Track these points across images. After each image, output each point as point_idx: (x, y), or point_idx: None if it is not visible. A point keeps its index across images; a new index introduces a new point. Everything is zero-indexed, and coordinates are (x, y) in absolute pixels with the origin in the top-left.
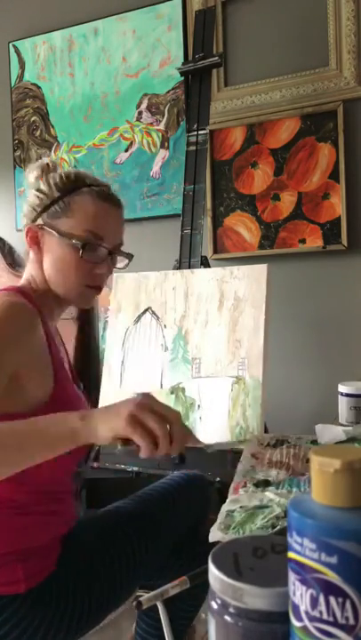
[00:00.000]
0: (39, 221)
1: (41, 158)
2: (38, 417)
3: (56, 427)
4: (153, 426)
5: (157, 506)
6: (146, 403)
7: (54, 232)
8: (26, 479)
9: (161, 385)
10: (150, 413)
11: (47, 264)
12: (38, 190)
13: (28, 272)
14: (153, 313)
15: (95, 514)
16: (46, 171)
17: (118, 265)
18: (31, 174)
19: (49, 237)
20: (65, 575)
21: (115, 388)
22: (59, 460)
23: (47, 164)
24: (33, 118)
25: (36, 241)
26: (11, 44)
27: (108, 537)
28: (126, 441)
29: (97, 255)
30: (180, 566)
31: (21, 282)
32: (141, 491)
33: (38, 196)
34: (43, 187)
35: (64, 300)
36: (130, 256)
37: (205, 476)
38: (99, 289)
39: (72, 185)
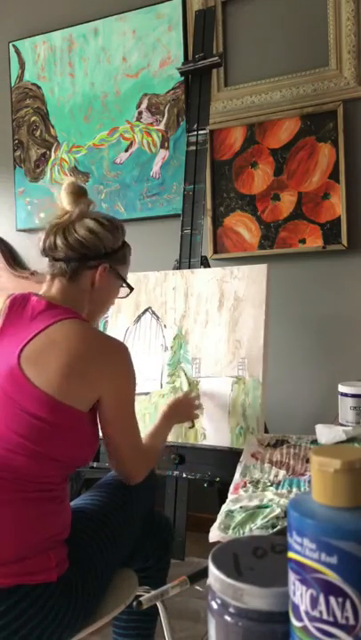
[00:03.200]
0: (107, 263)
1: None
2: (160, 425)
3: (168, 428)
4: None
5: (115, 499)
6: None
7: (117, 276)
8: (61, 459)
9: (161, 385)
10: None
11: (98, 297)
12: (108, 230)
13: (73, 296)
14: (153, 313)
15: (80, 509)
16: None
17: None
18: (77, 202)
19: (110, 278)
20: (77, 569)
21: None
22: (92, 441)
23: (90, 202)
24: (33, 118)
25: (102, 277)
26: (11, 44)
27: (93, 529)
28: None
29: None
30: (146, 546)
31: (62, 302)
32: (103, 482)
33: (109, 238)
34: (111, 228)
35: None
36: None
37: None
38: None
39: (124, 236)
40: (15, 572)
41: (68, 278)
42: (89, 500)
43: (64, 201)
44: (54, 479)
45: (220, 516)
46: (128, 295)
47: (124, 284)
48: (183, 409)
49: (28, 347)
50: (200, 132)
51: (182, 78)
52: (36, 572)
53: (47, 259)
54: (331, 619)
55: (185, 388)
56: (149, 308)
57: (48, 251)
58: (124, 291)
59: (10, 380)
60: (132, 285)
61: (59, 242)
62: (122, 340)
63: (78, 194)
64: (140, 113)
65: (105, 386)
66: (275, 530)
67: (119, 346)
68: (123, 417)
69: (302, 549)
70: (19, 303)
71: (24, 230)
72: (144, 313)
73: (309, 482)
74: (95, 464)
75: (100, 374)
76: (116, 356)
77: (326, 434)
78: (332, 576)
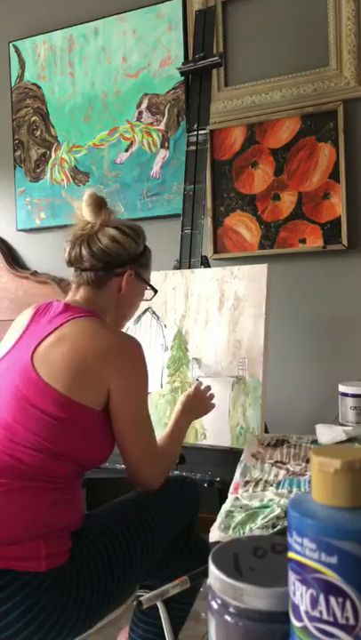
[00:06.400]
0: (133, 268)
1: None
2: (176, 424)
3: (186, 427)
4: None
5: (149, 511)
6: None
7: (141, 280)
8: (73, 457)
9: (161, 385)
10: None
11: (126, 301)
12: (129, 237)
13: (98, 303)
14: (153, 313)
15: (95, 514)
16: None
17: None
18: (99, 213)
19: (135, 282)
20: (76, 567)
21: None
22: (105, 440)
23: (111, 210)
24: (33, 118)
25: (128, 283)
26: (11, 44)
27: (109, 537)
28: None
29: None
30: (174, 564)
31: (84, 306)
32: (132, 493)
33: (131, 245)
34: (133, 234)
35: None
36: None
37: (194, 478)
38: None
39: (145, 240)
40: (5, 555)
41: (93, 286)
42: (119, 504)
43: (85, 212)
44: (65, 475)
45: (220, 516)
46: (153, 297)
47: (148, 287)
48: (197, 403)
49: (41, 345)
50: (200, 131)
51: (182, 78)
52: (23, 557)
53: (73, 269)
54: (331, 619)
55: (187, 389)
56: (150, 307)
57: (74, 262)
58: (148, 293)
59: (23, 378)
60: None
61: (84, 252)
62: None
63: (99, 204)
64: (141, 113)
65: (114, 382)
66: (275, 530)
67: (130, 341)
68: (133, 415)
69: (302, 549)
70: (43, 309)
71: (24, 230)
72: (144, 313)
73: (309, 482)
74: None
75: (108, 370)
76: (127, 352)
77: (326, 434)
78: (333, 576)
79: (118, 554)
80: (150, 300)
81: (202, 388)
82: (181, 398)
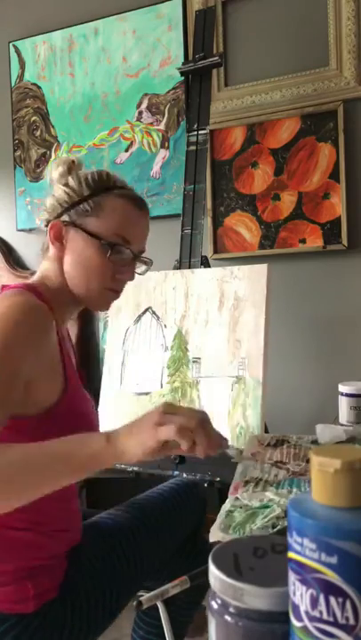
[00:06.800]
0: (65, 218)
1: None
2: (64, 438)
3: (81, 450)
4: (183, 421)
5: (155, 517)
6: (168, 406)
7: (82, 231)
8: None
9: (161, 385)
10: (176, 414)
11: (69, 263)
12: (66, 185)
13: (44, 269)
14: (153, 313)
15: (95, 525)
16: (73, 167)
17: (137, 270)
18: (56, 169)
19: (74, 235)
20: (71, 593)
21: (115, 389)
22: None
23: (73, 160)
24: (33, 118)
25: (59, 237)
26: (11, 44)
27: (109, 552)
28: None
29: (123, 259)
30: (180, 571)
31: (34, 278)
32: (138, 499)
33: (66, 192)
34: (72, 182)
35: (81, 300)
36: (150, 262)
37: (200, 482)
38: (118, 293)
39: (104, 184)
40: None
41: (41, 255)
42: (113, 518)
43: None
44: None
45: (220, 516)
46: (134, 259)
47: (102, 241)
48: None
49: None
50: (200, 131)
51: (182, 78)
52: (11, 600)
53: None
54: (331, 619)
55: (187, 389)
56: (149, 307)
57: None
58: (139, 267)
59: None
60: (132, 284)
61: (37, 222)
62: (122, 340)
63: (68, 167)
64: (141, 113)
65: None
66: (275, 530)
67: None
68: None
69: (302, 549)
70: None
71: (24, 230)
72: (144, 313)
73: (309, 482)
74: None
75: None
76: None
77: (326, 434)
78: (333, 576)
79: (118, 567)
80: (143, 273)
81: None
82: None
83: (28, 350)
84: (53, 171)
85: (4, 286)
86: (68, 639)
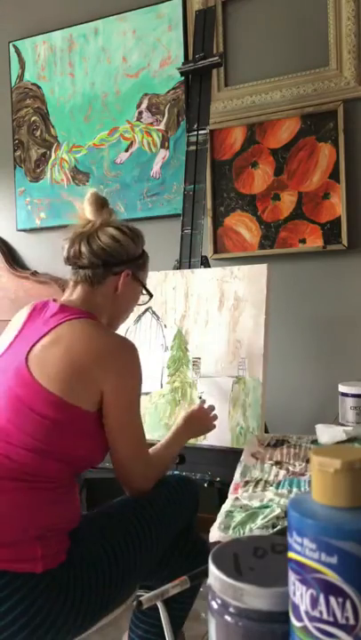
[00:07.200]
0: (128, 270)
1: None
2: (174, 440)
3: (180, 446)
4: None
5: (148, 512)
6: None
7: (138, 282)
8: (67, 458)
9: (161, 385)
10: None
11: (120, 302)
12: (128, 237)
13: (95, 302)
14: (153, 313)
15: (93, 514)
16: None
17: None
18: (100, 212)
19: (133, 284)
20: (74, 567)
21: None
22: (99, 441)
23: (111, 210)
24: (33, 118)
25: (125, 283)
26: (11, 44)
27: (108, 537)
28: None
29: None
30: (174, 564)
31: (80, 306)
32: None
33: (130, 245)
34: (132, 235)
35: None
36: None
37: (193, 478)
38: None
39: (144, 244)
40: (0, 557)
41: (90, 284)
42: (118, 504)
43: (87, 211)
44: (59, 476)
45: (220, 516)
46: (148, 302)
47: (144, 291)
48: (199, 422)
49: (36, 346)
50: (200, 131)
51: (182, 78)
52: (20, 559)
53: (70, 267)
54: (331, 619)
55: (187, 389)
56: (150, 307)
57: (72, 259)
58: (143, 298)
59: (18, 379)
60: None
61: (83, 250)
62: None
63: (101, 204)
64: (141, 113)
65: (108, 384)
66: (275, 530)
67: (125, 343)
68: (124, 415)
69: (302, 549)
70: (39, 308)
71: (24, 230)
72: (144, 313)
73: (309, 482)
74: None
75: (102, 372)
76: (122, 354)
77: (326, 434)
78: (332, 576)
79: (117, 554)
80: (144, 304)
81: (205, 406)
82: (183, 414)
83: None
84: (93, 208)
85: (62, 306)
86: (72, 605)
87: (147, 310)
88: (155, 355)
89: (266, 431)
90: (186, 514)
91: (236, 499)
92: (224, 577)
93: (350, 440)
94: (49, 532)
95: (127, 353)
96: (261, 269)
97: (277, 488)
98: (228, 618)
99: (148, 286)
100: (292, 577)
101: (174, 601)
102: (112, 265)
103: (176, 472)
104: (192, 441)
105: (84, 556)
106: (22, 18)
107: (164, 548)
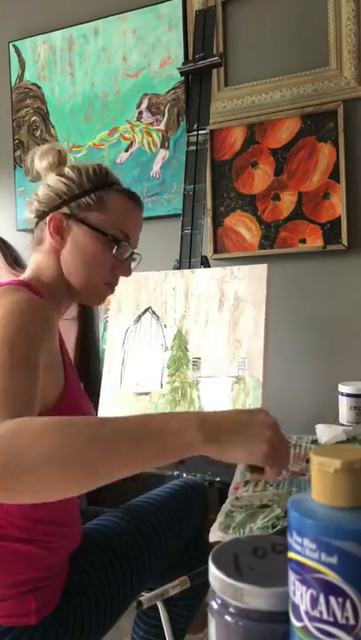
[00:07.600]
0: (65, 210)
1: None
2: (148, 415)
3: (173, 435)
4: (285, 452)
5: (158, 519)
6: (276, 425)
7: (85, 225)
8: (32, 509)
9: (161, 385)
10: (282, 438)
11: (69, 257)
12: (63, 176)
13: (37, 262)
14: (153, 313)
15: (94, 530)
16: (62, 157)
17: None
18: (45, 158)
19: (76, 229)
20: (74, 599)
21: (115, 388)
22: None
23: (59, 150)
24: (33, 118)
25: (59, 230)
26: (11, 44)
27: (110, 555)
28: (254, 467)
29: (123, 254)
30: (183, 573)
31: (26, 274)
32: (140, 500)
33: (64, 183)
34: (70, 174)
35: (77, 294)
36: (140, 258)
37: (203, 483)
38: (114, 287)
39: (105, 179)
40: None
41: (32, 247)
42: (115, 520)
43: (38, 168)
44: (17, 524)
45: (220, 516)
46: (130, 255)
47: (108, 236)
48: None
49: None
50: (200, 131)
51: (182, 78)
52: (11, 615)
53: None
54: (331, 619)
55: (187, 389)
56: (150, 307)
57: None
58: (132, 257)
59: None
60: (132, 284)
61: (27, 214)
62: (122, 340)
63: (53, 153)
64: (141, 113)
65: None
66: (275, 530)
67: (16, 295)
68: None
69: (302, 549)
70: None
71: (24, 230)
72: (144, 313)
73: (309, 482)
74: None
75: None
76: (7, 296)
77: (326, 434)
78: (332, 576)
79: (120, 573)
80: (127, 256)
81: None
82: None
83: (42, 344)
84: (39, 159)
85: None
86: (72, 637)
87: (147, 310)
88: (155, 355)
89: None
90: (196, 521)
91: (236, 499)
92: (224, 577)
93: (350, 440)
94: (41, 582)
95: (13, 298)
96: (261, 269)
97: (277, 488)
98: (228, 618)
99: (149, 285)
100: (292, 577)
101: (177, 605)
102: (44, 215)
103: (177, 472)
104: None
105: (85, 579)
106: (22, 18)
107: (174, 554)
